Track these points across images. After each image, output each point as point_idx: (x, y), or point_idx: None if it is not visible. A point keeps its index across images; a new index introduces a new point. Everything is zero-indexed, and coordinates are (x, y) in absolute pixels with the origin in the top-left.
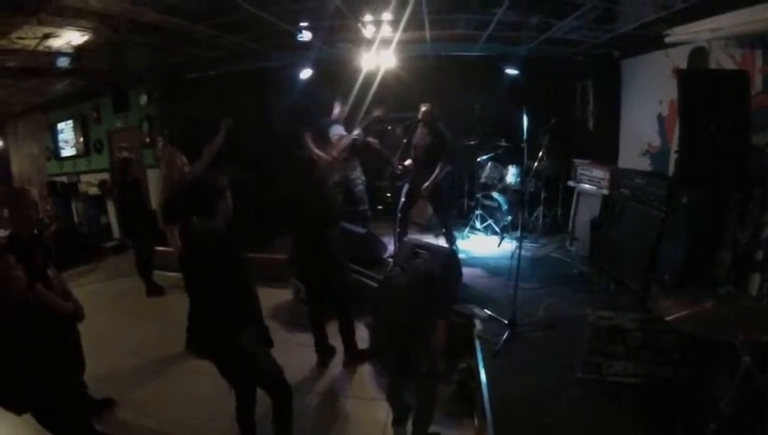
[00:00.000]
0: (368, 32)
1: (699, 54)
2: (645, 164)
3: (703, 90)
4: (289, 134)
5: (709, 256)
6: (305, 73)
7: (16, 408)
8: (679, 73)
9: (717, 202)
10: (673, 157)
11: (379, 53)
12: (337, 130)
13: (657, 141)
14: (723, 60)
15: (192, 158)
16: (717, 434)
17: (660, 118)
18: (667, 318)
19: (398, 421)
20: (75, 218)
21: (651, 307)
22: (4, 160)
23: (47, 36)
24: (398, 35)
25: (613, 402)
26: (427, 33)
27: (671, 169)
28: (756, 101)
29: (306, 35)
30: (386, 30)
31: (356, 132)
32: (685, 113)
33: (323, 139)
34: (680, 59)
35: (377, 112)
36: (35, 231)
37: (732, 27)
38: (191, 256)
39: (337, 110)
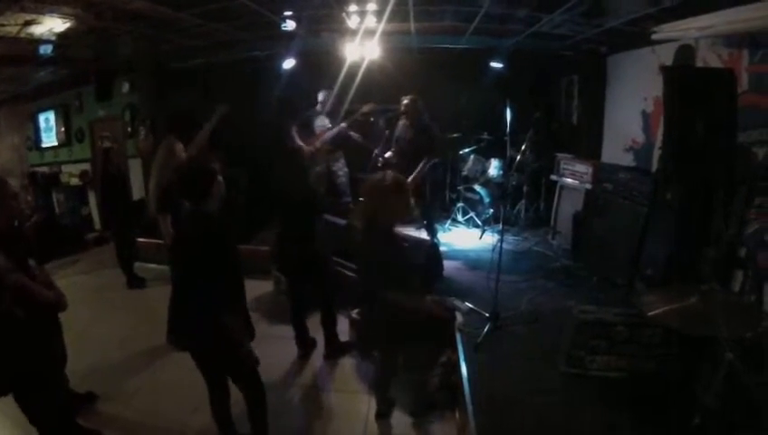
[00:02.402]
0: (352, 22)
1: (686, 52)
2: (628, 160)
3: (688, 87)
4: (274, 125)
5: (693, 252)
6: (288, 63)
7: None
8: (665, 70)
9: (701, 199)
10: (657, 153)
11: (363, 43)
12: (321, 122)
13: (640, 137)
14: (709, 58)
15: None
16: (701, 429)
17: (645, 114)
18: (650, 313)
19: (383, 415)
20: (56, 209)
21: (635, 302)
22: None
23: (29, 23)
24: (382, 26)
25: (596, 397)
26: (412, 25)
27: (654, 165)
28: (742, 99)
29: (290, 25)
30: (370, 20)
31: (341, 126)
32: (670, 110)
33: (307, 130)
34: (667, 56)
35: (365, 108)
36: (16, 223)
37: (719, 26)
38: (183, 240)
39: (321, 100)
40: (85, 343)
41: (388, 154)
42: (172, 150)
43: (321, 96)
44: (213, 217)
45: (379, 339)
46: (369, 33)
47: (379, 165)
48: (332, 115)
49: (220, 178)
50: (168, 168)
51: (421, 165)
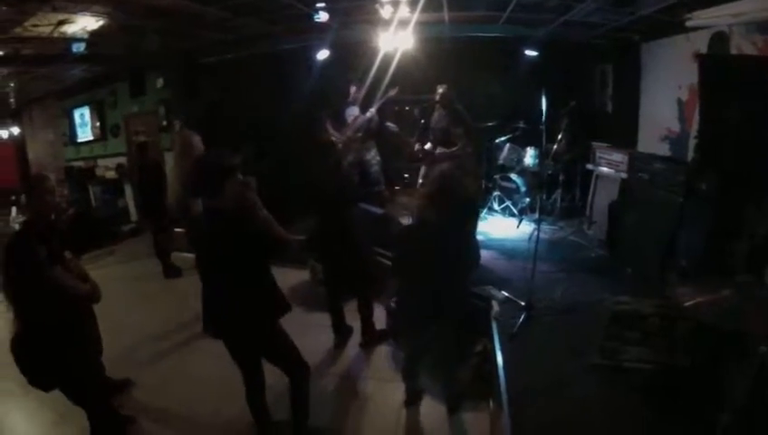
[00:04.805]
0: (385, 12)
1: (720, 39)
2: (664, 149)
3: (723, 75)
4: (306, 117)
5: (727, 244)
6: (322, 55)
7: (44, 385)
8: (700, 58)
9: (736, 190)
10: (692, 142)
11: (396, 34)
12: (352, 112)
13: (676, 126)
14: (744, 46)
15: (209, 141)
16: (731, 425)
17: (680, 103)
18: (685, 304)
19: (412, 402)
20: (93, 202)
21: (669, 294)
22: (21, 147)
23: (62, 23)
24: (416, 16)
25: (627, 388)
26: (446, 15)
27: (690, 155)
28: None
29: (323, 16)
30: (403, 10)
31: (369, 113)
32: (705, 98)
33: (339, 121)
34: (701, 44)
35: (391, 93)
36: (53, 216)
37: (753, 12)
38: (202, 235)
39: (353, 92)
40: (121, 332)
41: (427, 145)
42: (188, 142)
43: (352, 89)
44: (226, 211)
45: (420, 325)
46: (403, 23)
47: (420, 156)
48: (365, 105)
49: (238, 174)
50: (187, 156)
51: (455, 148)
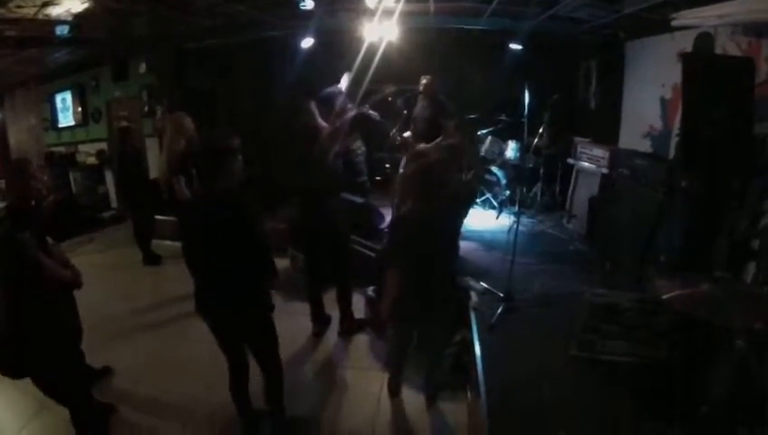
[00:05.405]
0: (370, 1)
1: (705, 40)
2: (646, 146)
3: (707, 74)
4: (290, 104)
5: (706, 241)
6: (306, 43)
7: (13, 372)
8: (684, 56)
9: (716, 188)
10: (674, 140)
11: (381, 23)
12: (343, 102)
13: (658, 124)
14: (728, 47)
15: (198, 125)
16: (709, 417)
17: (663, 101)
18: (663, 297)
19: (397, 393)
20: (73, 189)
21: (647, 288)
22: (1, 132)
23: (46, 4)
24: (400, 6)
25: (605, 381)
26: (431, 5)
27: (672, 153)
28: (760, 90)
29: (308, 4)
30: (389, 0)
31: (363, 109)
32: (687, 97)
33: (328, 108)
34: (686, 43)
35: (387, 90)
36: (33, 202)
37: (739, 14)
38: (204, 220)
39: (344, 82)
40: (101, 319)
41: (406, 133)
42: (180, 124)
43: (344, 77)
44: (234, 193)
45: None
46: (388, 12)
47: (398, 144)
48: (351, 97)
49: (239, 156)
50: (179, 135)
51: (437, 141)
